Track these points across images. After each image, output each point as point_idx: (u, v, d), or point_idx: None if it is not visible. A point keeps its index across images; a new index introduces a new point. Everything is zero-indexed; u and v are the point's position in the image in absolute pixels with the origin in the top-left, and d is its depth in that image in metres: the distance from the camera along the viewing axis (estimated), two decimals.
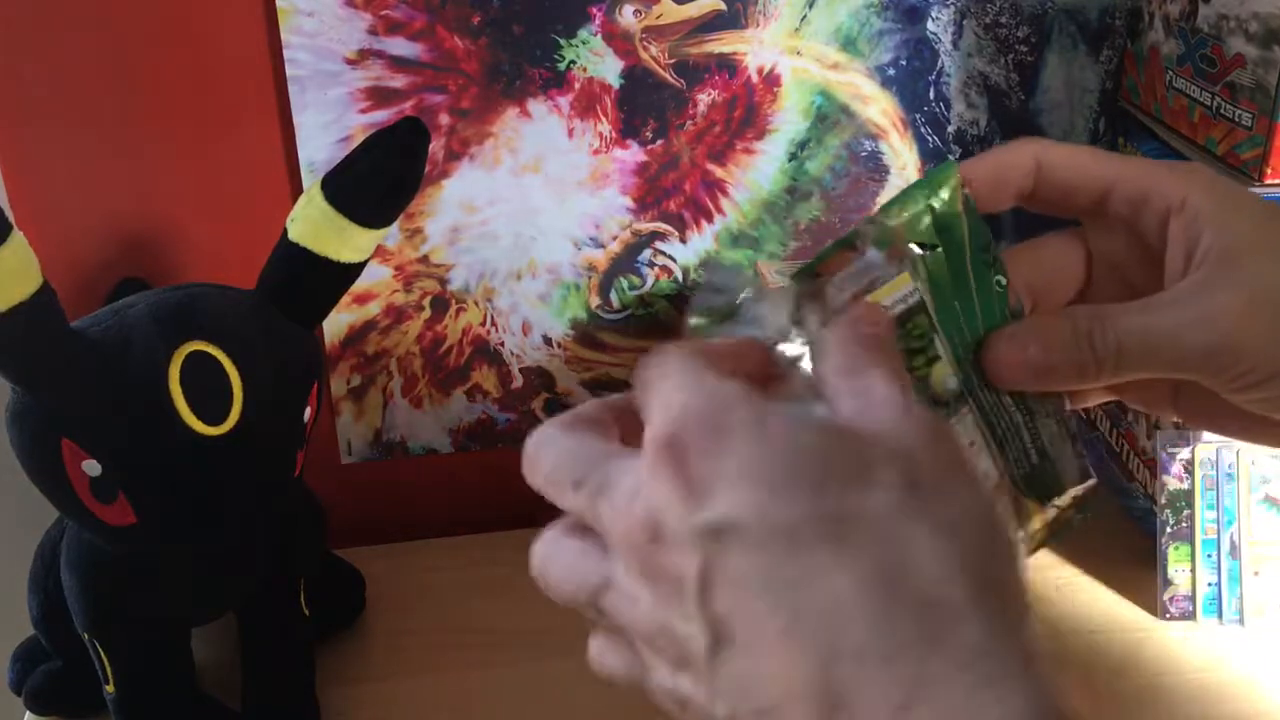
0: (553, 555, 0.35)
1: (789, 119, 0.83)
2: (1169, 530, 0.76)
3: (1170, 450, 0.76)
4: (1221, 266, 0.38)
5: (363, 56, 0.77)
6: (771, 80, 0.82)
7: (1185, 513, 0.76)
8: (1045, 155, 0.42)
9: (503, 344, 0.86)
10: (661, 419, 0.32)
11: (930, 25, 0.82)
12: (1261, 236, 0.39)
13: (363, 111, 0.78)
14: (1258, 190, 0.70)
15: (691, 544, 0.30)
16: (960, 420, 0.40)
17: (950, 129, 0.84)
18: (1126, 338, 0.39)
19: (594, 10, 0.78)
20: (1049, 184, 0.42)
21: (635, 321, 0.87)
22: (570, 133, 0.81)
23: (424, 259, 0.83)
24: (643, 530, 0.31)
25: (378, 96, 0.78)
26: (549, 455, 0.35)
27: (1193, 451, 0.76)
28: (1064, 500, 0.43)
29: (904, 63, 0.82)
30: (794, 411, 0.32)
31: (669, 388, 0.32)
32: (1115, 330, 0.39)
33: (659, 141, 0.82)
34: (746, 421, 0.31)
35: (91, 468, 0.58)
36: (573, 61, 0.79)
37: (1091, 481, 0.43)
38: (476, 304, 0.85)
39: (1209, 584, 0.77)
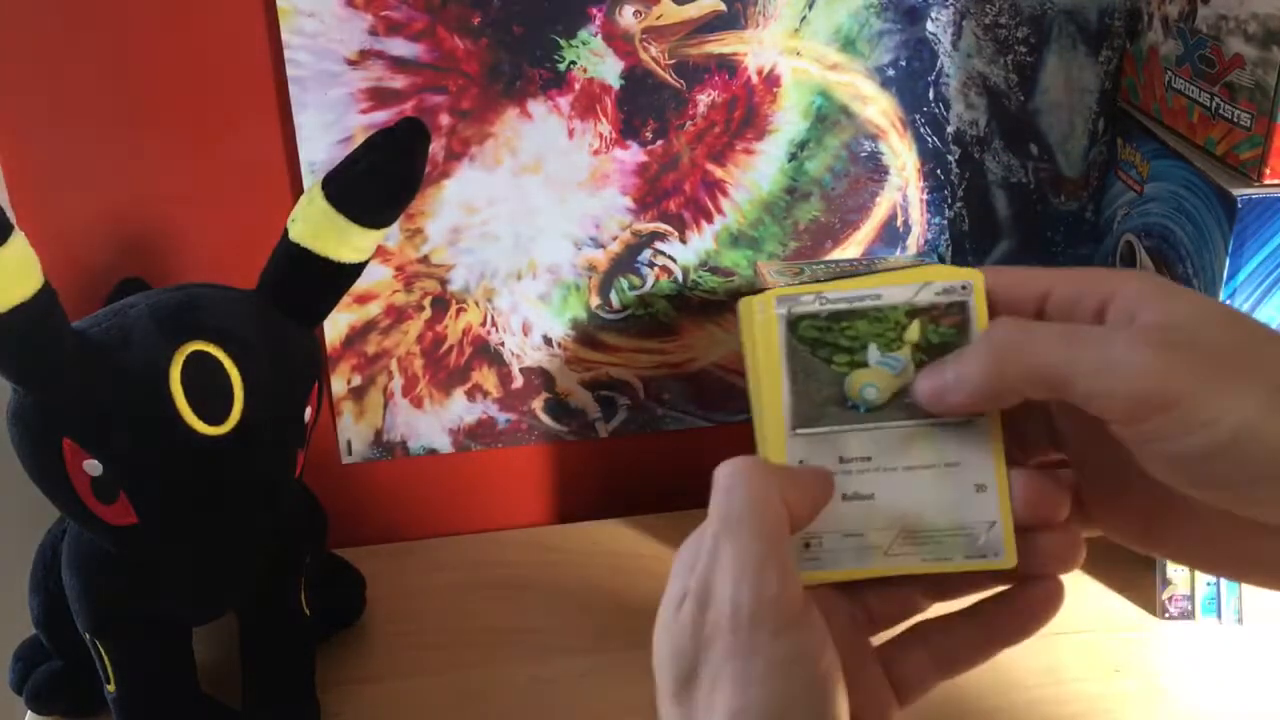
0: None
1: (789, 119, 0.83)
2: None
3: None
4: (1156, 329, 0.38)
5: (363, 57, 0.77)
6: (771, 81, 0.82)
7: None
8: (987, 276, 0.43)
9: (503, 344, 0.86)
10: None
11: (930, 26, 0.82)
12: (1197, 310, 0.38)
13: (363, 112, 0.78)
14: (1256, 190, 0.70)
15: None
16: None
17: (950, 129, 0.84)
18: (1042, 369, 0.39)
19: (594, 11, 0.78)
20: (991, 298, 0.43)
21: (635, 321, 0.87)
22: (570, 133, 0.81)
23: (424, 259, 0.83)
24: None
25: (378, 97, 0.78)
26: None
27: None
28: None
29: (903, 63, 0.82)
30: (669, 610, 0.40)
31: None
32: (1031, 360, 0.39)
33: (659, 142, 0.82)
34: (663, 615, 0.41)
35: (92, 467, 0.58)
36: (573, 62, 0.79)
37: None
38: (477, 304, 0.85)
39: (1208, 584, 0.77)
